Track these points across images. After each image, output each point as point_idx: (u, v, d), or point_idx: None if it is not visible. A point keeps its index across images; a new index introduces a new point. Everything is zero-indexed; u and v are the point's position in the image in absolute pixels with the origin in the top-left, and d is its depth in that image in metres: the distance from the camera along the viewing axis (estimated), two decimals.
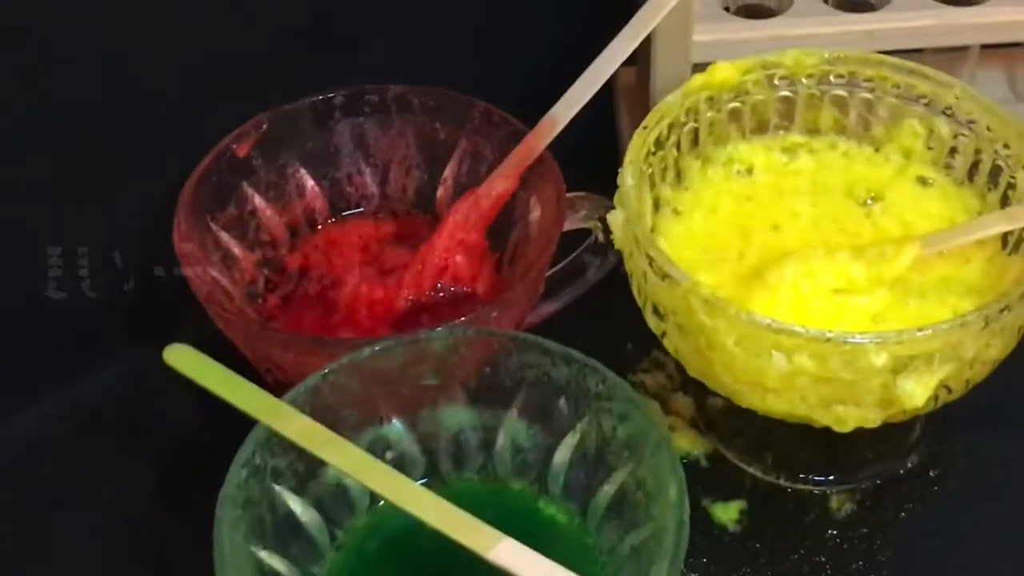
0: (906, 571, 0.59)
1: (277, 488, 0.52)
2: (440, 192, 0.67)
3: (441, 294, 0.63)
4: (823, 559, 0.59)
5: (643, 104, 0.72)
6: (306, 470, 0.53)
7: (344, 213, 0.68)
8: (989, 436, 0.64)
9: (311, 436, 0.51)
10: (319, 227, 0.67)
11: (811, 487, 0.62)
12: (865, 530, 0.60)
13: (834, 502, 0.61)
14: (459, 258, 0.63)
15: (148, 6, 0.62)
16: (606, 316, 0.65)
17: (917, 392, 0.53)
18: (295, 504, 0.53)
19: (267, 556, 0.50)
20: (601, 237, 0.63)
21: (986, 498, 0.61)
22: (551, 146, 0.63)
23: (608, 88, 0.64)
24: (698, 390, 0.63)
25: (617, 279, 0.60)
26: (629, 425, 0.52)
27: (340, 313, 0.62)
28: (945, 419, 0.62)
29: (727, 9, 0.71)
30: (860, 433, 0.55)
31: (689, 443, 0.64)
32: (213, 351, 0.57)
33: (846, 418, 0.55)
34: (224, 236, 0.62)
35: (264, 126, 0.64)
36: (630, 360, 0.67)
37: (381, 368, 0.54)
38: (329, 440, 0.51)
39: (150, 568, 0.60)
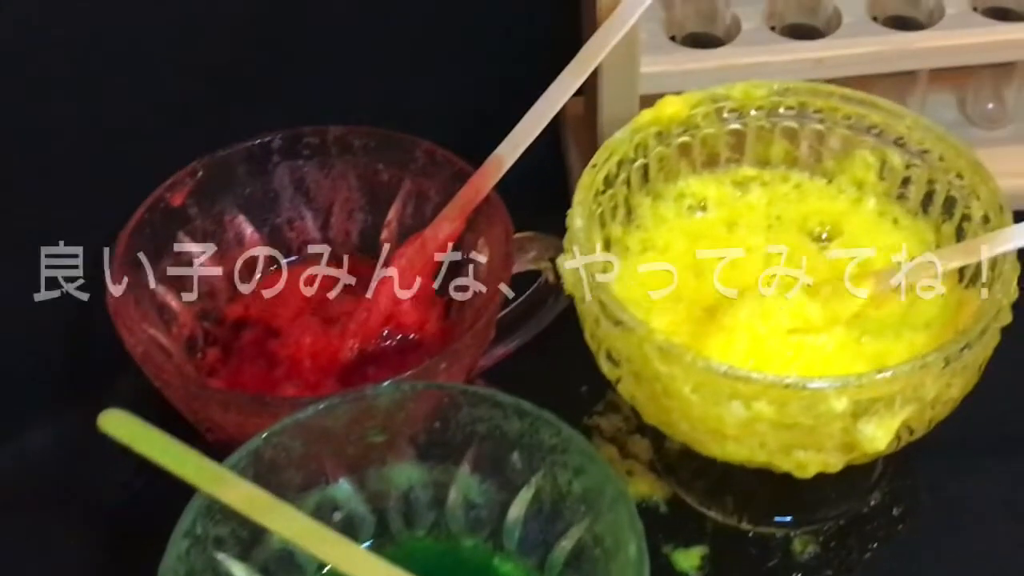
0: None
1: (220, 557, 0.50)
2: (384, 235, 0.65)
3: (388, 342, 0.61)
4: None
5: (591, 137, 0.70)
6: (250, 536, 0.50)
7: (285, 260, 0.65)
8: (952, 470, 0.62)
9: (254, 503, 0.48)
10: (260, 275, 0.65)
11: (773, 530, 0.60)
12: (830, 572, 0.59)
13: (797, 544, 0.60)
14: (405, 305, 0.61)
15: (78, 50, 0.59)
16: (559, 358, 0.63)
17: (879, 435, 0.52)
18: (240, 572, 0.50)
19: None
20: (552, 278, 0.61)
21: (950, 534, 0.60)
22: (498, 182, 0.61)
23: (555, 119, 0.62)
24: (656, 432, 0.61)
25: (570, 319, 0.59)
26: (585, 479, 0.51)
27: (283, 365, 0.60)
28: (907, 454, 0.61)
29: (673, 38, 0.70)
30: (821, 472, 0.54)
31: (648, 488, 0.62)
32: (153, 404, 0.56)
33: (807, 463, 0.53)
34: (160, 290, 0.60)
35: (199, 173, 0.62)
36: (585, 403, 0.65)
37: (326, 427, 0.52)
38: (273, 507, 0.48)
39: None
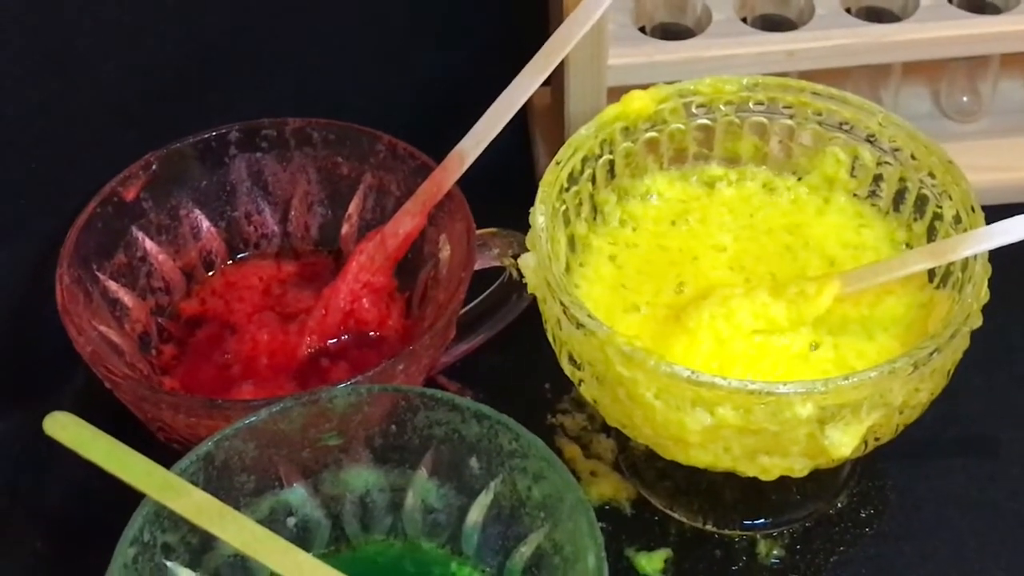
0: None
1: (169, 565, 0.49)
2: (345, 229, 0.64)
3: (347, 337, 0.60)
4: None
5: (559, 129, 0.69)
6: (200, 543, 0.49)
7: (243, 255, 0.64)
8: (921, 471, 0.61)
9: (203, 511, 0.47)
10: (216, 270, 0.63)
11: (739, 532, 0.59)
12: (795, 575, 0.58)
13: (763, 547, 0.59)
14: (365, 301, 0.60)
15: (29, 42, 0.58)
16: (522, 354, 0.63)
17: (845, 441, 0.51)
18: None
19: None
20: (515, 275, 0.60)
21: (918, 537, 0.59)
22: (464, 174, 0.60)
23: (523, 110, 0.61)
24: (620, 432, 0.60)
25: (534, 315, 0.57)
26: (545, 485, 0.50)
27: (240, 362, 0.59)
28: (875, 455, 0.60)
29: (643, 29, 0.68)
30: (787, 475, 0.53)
31: (612, 489, 0.61)
32: (106, 402, 0.54)
33: (772, 468, 0.52)
34: (113, 285, 0.59)
35: (153, 166, 0.60)
36: (549, 401, 0.64)
37: (279, 430, 0.51)
38: (222, 514, 0.47)
39: None
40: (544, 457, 0.50)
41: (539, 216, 0.55)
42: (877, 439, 0.53)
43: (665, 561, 0.58)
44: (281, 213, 0.64)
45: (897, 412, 0.52)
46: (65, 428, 0.49)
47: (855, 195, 0.60)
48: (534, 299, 0.56)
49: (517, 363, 0.64)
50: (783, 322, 0.55)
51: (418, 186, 0.60)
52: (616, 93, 0.61)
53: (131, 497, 0.48)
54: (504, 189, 0.64)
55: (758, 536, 0.59)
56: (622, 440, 0.62)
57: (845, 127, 0.60)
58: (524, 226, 0.56)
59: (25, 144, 0.59)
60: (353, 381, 0.52)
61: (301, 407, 0.51)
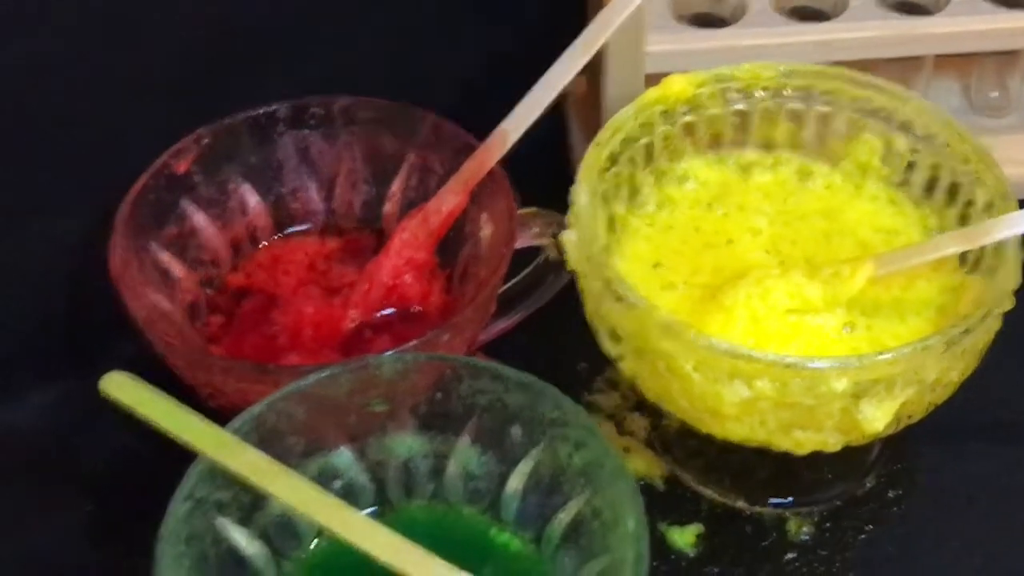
0: None
1: (221, 521, 0.50)
2: (388, 207, 0.65)
3: (389, 312, 0.61)
4: None
5: (595, 115, 0.70)
6: (251, 501, 0.51)
7: (289, 230, 0.65)
8: (949, 454, 0.63)
9: (256, 469, 0.49)
10: (263, 244, 0.65)
11: (769, 509, 0.61)
12: (824, 553, 0.59)
13: (792, 525, 0.60)
14: (407, 277, 0.61)
15: (84, 18, 0.59)
16: (559, 334, 0.64)
17: (878, 416, 0.52)
18: (240, 537, 0.51)
19: None
20: (554, 254, 0.61)
21: (947, 519, 0.60)
22: (502, 159, 0.61)
23: (558, 98, 0.62)
24: (653, 410, 0.61)
25: (570, 296, 0.59)
26: (586, 452, 0.51)
27: (284, 334, 0.60)
28: (904, 437, 0.61)
29: (680, 18, 0.69)
30: (818, 453, 0.54)
31: (645, 465, 0.62)
32: (149, 369, 0.55)
33: (805, 443, 0.54)
34: (163, 256, 0.60)
35: (205, 141, 0.62)
36: (583, 380, 0.65)
37: (328, 395, 0.52)
38: (275, 473, 0.49)
39: None
40: (585, 425, 0.51)
41: (581, 195, 0.57)
42: (909, 417, 0.54)
43: (697, 536, 0.60)
44: (326, 190, 0.65)
45: (929, 390, 0.53)
46: (122, 387, 0.50)
47: (888, 182, 0.62)
48: (571, 280, 0.58)
49: (553, 343, 0.65)
50: (818, 302, 0.56)
51: (461, 165, 0.61)
52: (653, 80, 0.63)
53: (180, 461, 0.49)
54: (538, 178, 0.65)
55: (788, 514, 0.60)
56: (655, 419, 0.63)
57: (880, 114, 0.61)
58: (557, 210, 0.57)
59: (79, 119, 0.61)
60: (399, 350, 0.53)
61: (349, 373, 0.52)
